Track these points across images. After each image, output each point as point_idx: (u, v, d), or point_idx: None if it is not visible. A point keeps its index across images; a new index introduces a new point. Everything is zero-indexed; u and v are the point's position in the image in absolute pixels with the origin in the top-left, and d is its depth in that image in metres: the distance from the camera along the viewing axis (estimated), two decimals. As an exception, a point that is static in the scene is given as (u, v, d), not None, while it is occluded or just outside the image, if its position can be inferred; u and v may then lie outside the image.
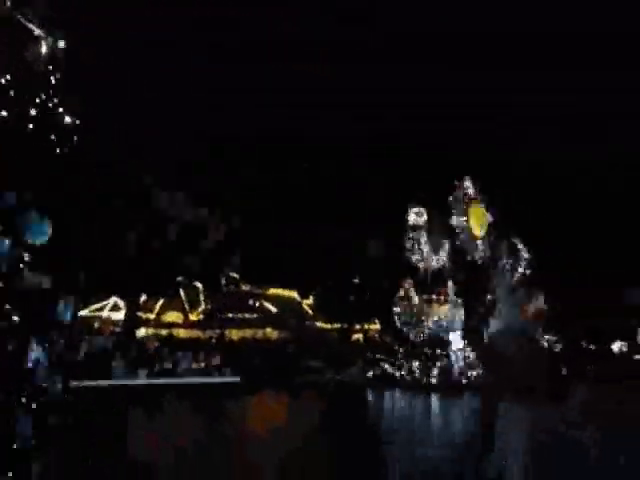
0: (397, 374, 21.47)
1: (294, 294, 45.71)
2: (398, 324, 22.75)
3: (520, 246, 24.10)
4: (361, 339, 38.43)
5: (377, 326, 39.15)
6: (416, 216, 23.08)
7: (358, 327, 41.15)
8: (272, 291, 45.32)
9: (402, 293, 23.06)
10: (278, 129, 46.86)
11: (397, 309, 23.00)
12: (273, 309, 44.18)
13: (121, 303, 42.25)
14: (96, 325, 40.73)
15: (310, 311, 45.33)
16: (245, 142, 45.14)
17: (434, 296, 22.65)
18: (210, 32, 45.29)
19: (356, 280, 42.40)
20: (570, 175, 40.62)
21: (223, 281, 44.66)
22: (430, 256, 22.87)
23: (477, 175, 24.63)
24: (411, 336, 21.94)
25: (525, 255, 24.00)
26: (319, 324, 44.23)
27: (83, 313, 41.60)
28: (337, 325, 43.39)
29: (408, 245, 23.13)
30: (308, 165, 44.22)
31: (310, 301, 46.04)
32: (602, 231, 36.88)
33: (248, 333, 43.22)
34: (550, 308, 23.64)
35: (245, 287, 44.94)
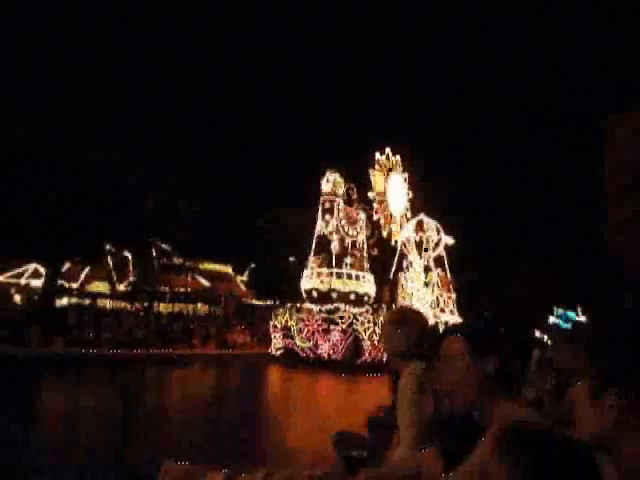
0: (299, 350, 19.99)
1: (228, 269, 44.05)
2: (305, 299, 21.18)
3: (431, 225, 22.86)
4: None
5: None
6: (332, 186, 21.49)
7: (290, 305, 39.89)
8: (205, 265, 43.52)
9: (311, 266, 21.48)
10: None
11: (304, 283, 21.41)
12: (206, 284, 42.52)
13: (43, 270, 39.44)
14: (12, 292, 38.15)
15: (244, 287, 43.84)
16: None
17: (345, 270, 21.15)
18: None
19: (292, 258, 40.83)
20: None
21: (154, 253, 42.30)
22: (345, 229, 21.33)
23: (402, 146, 23.28)
24: (315, 312, 20.40)
25: (437, 235, 22.79)
26: (252, 301, 42.84)
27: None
28: (270, 302, 42.03)
29: (322, 216, 21.49)
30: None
31: (244, 277, 44.54)
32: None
33: (178, 307, 41.61)
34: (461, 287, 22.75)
35: (177, 260, 42.87)
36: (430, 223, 23.01)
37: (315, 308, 20.55)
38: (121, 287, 41.27)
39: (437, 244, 22.84)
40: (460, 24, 46.52)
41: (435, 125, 40.31)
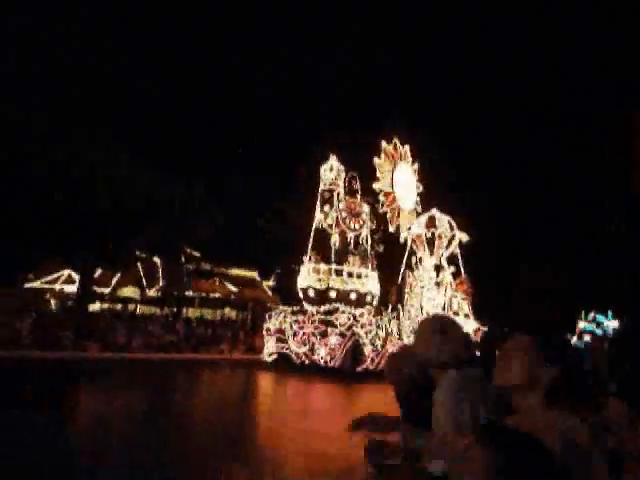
0: (293, 355, 17.73)
1: (255, 274, 42.81)
2: (302, 299, 18.96)
3: (444, 220, 19.99)
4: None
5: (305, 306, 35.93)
6: (333, 175, 19.19)
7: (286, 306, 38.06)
8: (233, 271, 42.56)
9: (308, 263, 19.19)
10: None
11: (300, 282, 19.18)
12: (233, 289, 41.51)
13: (76, 276, 39.57)
14: (48, 296, 38.38)
15: (270, 292, 42.37)
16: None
17: (345, 267, 18.76)
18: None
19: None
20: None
21: (183, 259, 41.72)
22: (346, 222, 18.94)
23: (409, 137, 20.74)
24: (312, 313, 18.11)
25: (450, 232, 19.91)
26: (279, 306, 41.24)
27: (35, 284, 39.16)
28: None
29: (321, 207, 19.18)
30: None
31: (270, 282, 43.08)
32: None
33: (206, 312, 40.98)
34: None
35: (205, 266, 42.09)
36: (443, 219, 20.25)
37: (311, 309, 18.29)
38: (151, 292, 40.81)
39: (450, 241, 20.06)
40: (460, 24, 43.94)
41: (435, 125, 37.73)
